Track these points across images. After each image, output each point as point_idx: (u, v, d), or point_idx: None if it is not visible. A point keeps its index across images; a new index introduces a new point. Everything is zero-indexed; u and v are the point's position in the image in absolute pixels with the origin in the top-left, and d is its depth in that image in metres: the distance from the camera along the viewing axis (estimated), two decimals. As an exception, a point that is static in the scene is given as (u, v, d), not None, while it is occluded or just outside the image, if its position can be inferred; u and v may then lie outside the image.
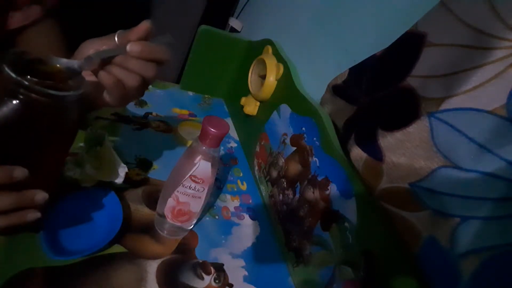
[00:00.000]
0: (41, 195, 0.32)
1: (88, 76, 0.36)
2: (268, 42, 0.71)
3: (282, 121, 0.61)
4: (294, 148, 0.56)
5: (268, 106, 0.68)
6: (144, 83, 0.38)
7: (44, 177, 0.34)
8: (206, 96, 0.91)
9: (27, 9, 0.48)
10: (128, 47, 0.35)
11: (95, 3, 0.99)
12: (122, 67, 0.36)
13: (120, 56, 0.36)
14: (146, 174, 0.58)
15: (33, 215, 0.33)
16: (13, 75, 0.27)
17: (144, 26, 0.36)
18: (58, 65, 0.33)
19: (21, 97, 0.28)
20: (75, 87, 0.31)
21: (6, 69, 0.27)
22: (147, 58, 0.36)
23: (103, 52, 0.35)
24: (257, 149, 0.69)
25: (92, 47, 0.38)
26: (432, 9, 0.34)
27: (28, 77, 0.28)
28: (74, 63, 0.34)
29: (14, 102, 0.28)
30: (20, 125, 0.29)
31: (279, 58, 0.66)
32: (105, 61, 0.35)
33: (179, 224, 0.48)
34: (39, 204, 0.32)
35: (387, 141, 0.38)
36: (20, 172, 0.30)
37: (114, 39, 0.38)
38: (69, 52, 0.55)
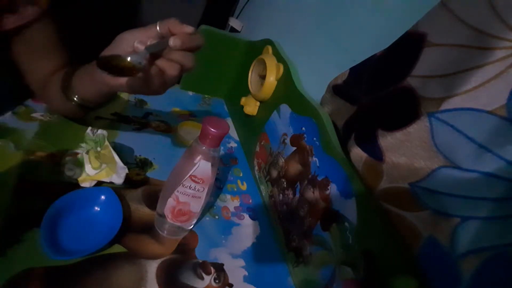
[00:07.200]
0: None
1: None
2: (268, 42, 0.71)
3: (282, 121, 0.61)
4: (294, 148, 0.56)
5: (268, 106, 0.68)
6: (182, 71, 0.41)
7: None
8: (206, 96, 0.91)
9: (23, 9, 0.48)
10: (170, 42, 0.38)
11: (94, 3, 0.99)
12: (165, 58, 0.39)
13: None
14: (146, 174, 0.58)
15: None
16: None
17: (188, 29, 0.40)
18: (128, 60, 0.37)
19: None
20: None
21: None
22: (187, 49, 0.40)
23: (152, 46, 0.38)
24: (257, 149, 0.69)
25: (135, 38, 0.40)
26: (432, 9, 0.34)
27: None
28: (135, 57, 0.37)
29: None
30: None
31: (279, 58, 0.66)
32: (153, 54, 0.39)
33: (179, 224, 0.48)
34: None
35: (387, 141, 0.38)
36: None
37: (156, 29, 0.40)
38: (67, 50, 0.55)
